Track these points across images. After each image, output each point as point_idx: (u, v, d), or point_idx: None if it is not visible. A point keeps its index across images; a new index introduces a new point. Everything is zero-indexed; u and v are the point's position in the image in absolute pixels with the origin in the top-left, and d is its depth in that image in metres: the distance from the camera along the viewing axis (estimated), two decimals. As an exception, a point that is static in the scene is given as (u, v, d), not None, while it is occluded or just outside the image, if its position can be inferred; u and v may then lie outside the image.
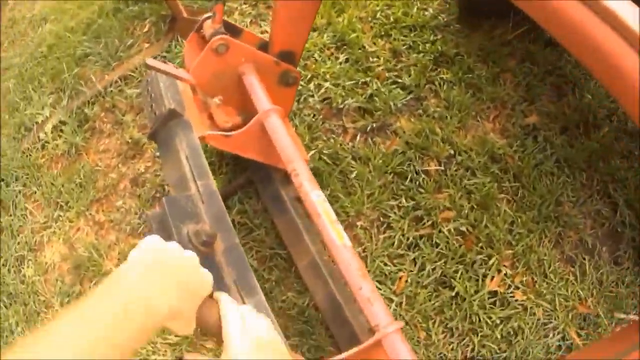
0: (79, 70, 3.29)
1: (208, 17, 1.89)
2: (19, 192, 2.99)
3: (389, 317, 1.31)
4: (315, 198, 1.50)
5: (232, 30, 1.90)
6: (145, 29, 3.33)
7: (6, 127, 3.36)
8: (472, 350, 1.97)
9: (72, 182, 2.84)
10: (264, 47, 1.95)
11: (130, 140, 2.83)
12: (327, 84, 2.62)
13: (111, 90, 3.05)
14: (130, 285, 0.93)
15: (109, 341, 0.84)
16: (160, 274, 0.98)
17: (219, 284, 1.27)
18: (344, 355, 1.33)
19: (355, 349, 1.32)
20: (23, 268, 2.76)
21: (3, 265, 2.80)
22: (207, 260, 1.30)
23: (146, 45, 3.22)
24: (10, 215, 2.93)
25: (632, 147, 2.33)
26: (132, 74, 3.07)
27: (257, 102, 1.77)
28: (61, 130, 3.08)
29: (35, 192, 2.95)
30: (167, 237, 1.33)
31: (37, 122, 3.21)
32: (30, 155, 3.08)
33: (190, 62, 1.88)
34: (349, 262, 1.39)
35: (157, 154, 2.70)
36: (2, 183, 3.07)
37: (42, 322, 2.54)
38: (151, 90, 1.80)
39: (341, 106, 2.56)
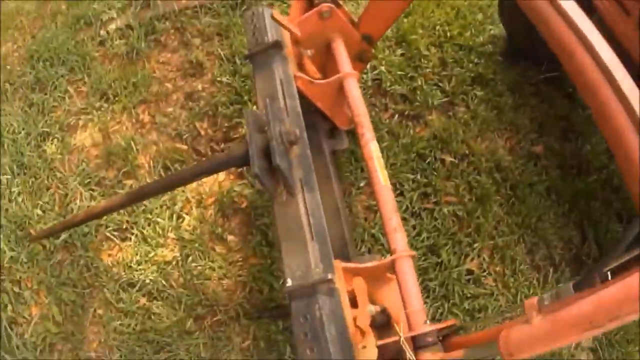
0: None
1: None
2: (63, 75, 3.27)
3: (407, 245, 1.73)
4: (373, 147, 1.93)
5: (334, 1, 2.27)
6: None
7: (62, 16, 3.63)
8: (442, 314, 2.42)
9: (125, 79, 3.15)
10: (352, 24, 2.34)
11: (194, 61, 3.19)
12: (382, 68, 3.06)
13: (187, 13, 3.39)
14: None
15: None
16: None
17: (290, 179, 1.69)
18: (363, 265, 1.74)
19: (374, 262, 1.74)
20: (45, 144, 3.02)
21: (23, 137, 3.04)
22: (285, 159, 1.71)
23: None
24: (46, 94, 3.21)
25: (612, 198, 2.77)
26: (210, 5, 3.41)
27: (341, 65, 2.18)
28: (125, 34, 3.38)
29: (82, 79, 3.24)
30: (259, 131, 1.76)
31: (101, 20, 3.47)
32: (85, 46, 3.38)
33: (294, 17, 2.27)
34: (387, 198, 1.82)
35: (219, 78, 3.09)
36: (46, 63, 3.31)
37: (51, 197, 2.82)
38: (256, 21, 2.20)
39: (388, 89, 3.02)
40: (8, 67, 3.43)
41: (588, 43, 1.65)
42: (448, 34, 3.24)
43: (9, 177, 2.91)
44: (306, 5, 2.34)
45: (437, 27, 3.26)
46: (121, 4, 3.55)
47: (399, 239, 1.72)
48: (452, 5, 3.38)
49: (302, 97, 2.08)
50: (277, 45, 2.06)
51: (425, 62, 3.12)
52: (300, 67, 2.26)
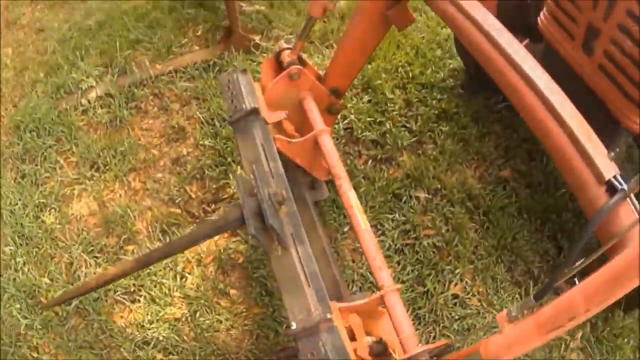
0: (131, 52, 3.91)
1: (288, 48, 2.56)
2: (51, 146, 3.48)
3: (392, 280, 2.01)
4: (351, 195, 2.22)
5: (301, 61, 2.57)
6: (198, 33, 4.01)
7: (42, 84, 3.88)
8: (434, 337, 2.66)
9: (113, 149, 3.38)
10: (319, 79, 2.63)
11: (176, 126, 3.46)
12: (351, 116, 3.37)
13: (163, 79, 3.67)
14: None
15: None
16: None
17: (283, 236, 1.96)
18: (356, 303, 2.00)
19: (365, 299, 2.00)
20: (43, 215, 3.20)
21: (20, 208, 3.22)
22: (276, 219, 1.99)
23: (197, 47, 3.89)
24: (37, 165, 3.40)
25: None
26: (184, 69, 3.70)
27: (313, 122, 2.47)
28: (106, 102, 3.63)
29: (70, 150, 3.45)
30: (250, 194, 2.04)
31: (81, 88, 3.72)
32: (68, 116, 3.60)
33: (265, 79, 2.57)
34: (369, 241, 2.10)
35: (201, 141, 3.36)
36: (33, 134, 3.52)
37: (57, 265, 3.00)
38: (232, 88, 2.46)
39: (360, 136, 3.32)
40: None
41: (529, 79, 1.91)
42: (410, 74, 3.54)
43: (12, 247, 3.07)
44: (275, 65, 2.62)
45: (400, 69, 3.56)
46: (98, 71, 3.82)
47: (384, 275, 2.00)
48: (411, 45, 3.70)
49: (282, 155, 2.35)
50: (255, 112, 2.30)
51: (392, 105, 3.42)
52: (279, 127, 2.55)
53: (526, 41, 2.88)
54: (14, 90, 3.98)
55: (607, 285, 1.35)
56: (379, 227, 2.97)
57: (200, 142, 3.38)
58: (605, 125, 2.32)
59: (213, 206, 3.14)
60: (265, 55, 3.75)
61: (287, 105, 2.56)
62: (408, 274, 2.83)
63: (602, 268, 1.37)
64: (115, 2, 4.45)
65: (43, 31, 4.45)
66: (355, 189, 2.31)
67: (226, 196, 3.16)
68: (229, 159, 3.25)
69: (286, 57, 2.55)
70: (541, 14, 2.68)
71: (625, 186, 1.64)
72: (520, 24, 2.79)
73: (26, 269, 3.00)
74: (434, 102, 3.44)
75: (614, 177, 1.68)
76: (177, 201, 3.17)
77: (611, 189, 1.68)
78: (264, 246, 1.99)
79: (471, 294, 2.80)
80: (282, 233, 1.96)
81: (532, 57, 2.01)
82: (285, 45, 2.59)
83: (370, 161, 3.24)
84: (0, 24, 4.56)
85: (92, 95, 3.71)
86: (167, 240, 3.00)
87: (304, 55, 2.63)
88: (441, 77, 3.57)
